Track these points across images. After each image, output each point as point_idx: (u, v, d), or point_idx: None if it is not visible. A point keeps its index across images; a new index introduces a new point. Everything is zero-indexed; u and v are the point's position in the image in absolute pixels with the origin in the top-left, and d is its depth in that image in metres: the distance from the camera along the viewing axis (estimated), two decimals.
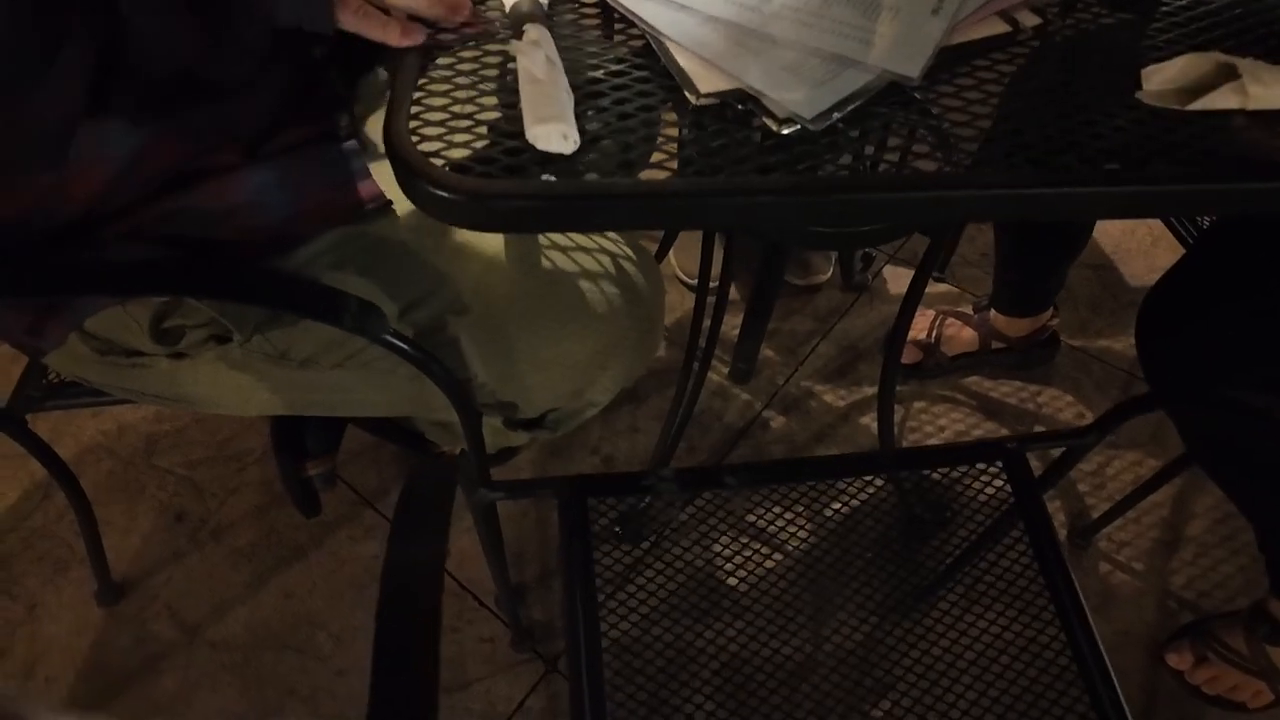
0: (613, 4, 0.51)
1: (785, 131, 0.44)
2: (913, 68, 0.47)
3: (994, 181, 0.43)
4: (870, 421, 1.24)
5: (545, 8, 0.51)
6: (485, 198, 0.42)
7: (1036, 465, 0.78)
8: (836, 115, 0.45)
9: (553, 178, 0.43)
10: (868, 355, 1.34)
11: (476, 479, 0.63)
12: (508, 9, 0.50)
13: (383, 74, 0.74)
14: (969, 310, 1.32)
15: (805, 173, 0.43)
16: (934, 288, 1.46)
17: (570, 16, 0.54)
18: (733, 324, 1.31)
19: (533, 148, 0.43)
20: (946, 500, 1.04)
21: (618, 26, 0.53)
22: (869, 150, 0.47)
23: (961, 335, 1.29)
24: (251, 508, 1.16)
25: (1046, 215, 0.76)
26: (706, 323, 0.97)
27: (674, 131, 0.47)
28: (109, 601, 1.06)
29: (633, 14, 0.50)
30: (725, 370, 1.31)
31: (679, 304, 1.41)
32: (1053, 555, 0.72)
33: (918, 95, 0.47)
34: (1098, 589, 1.08)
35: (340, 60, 0.67)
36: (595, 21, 0.53)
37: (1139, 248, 1.52)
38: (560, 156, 0.43)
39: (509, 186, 0.42)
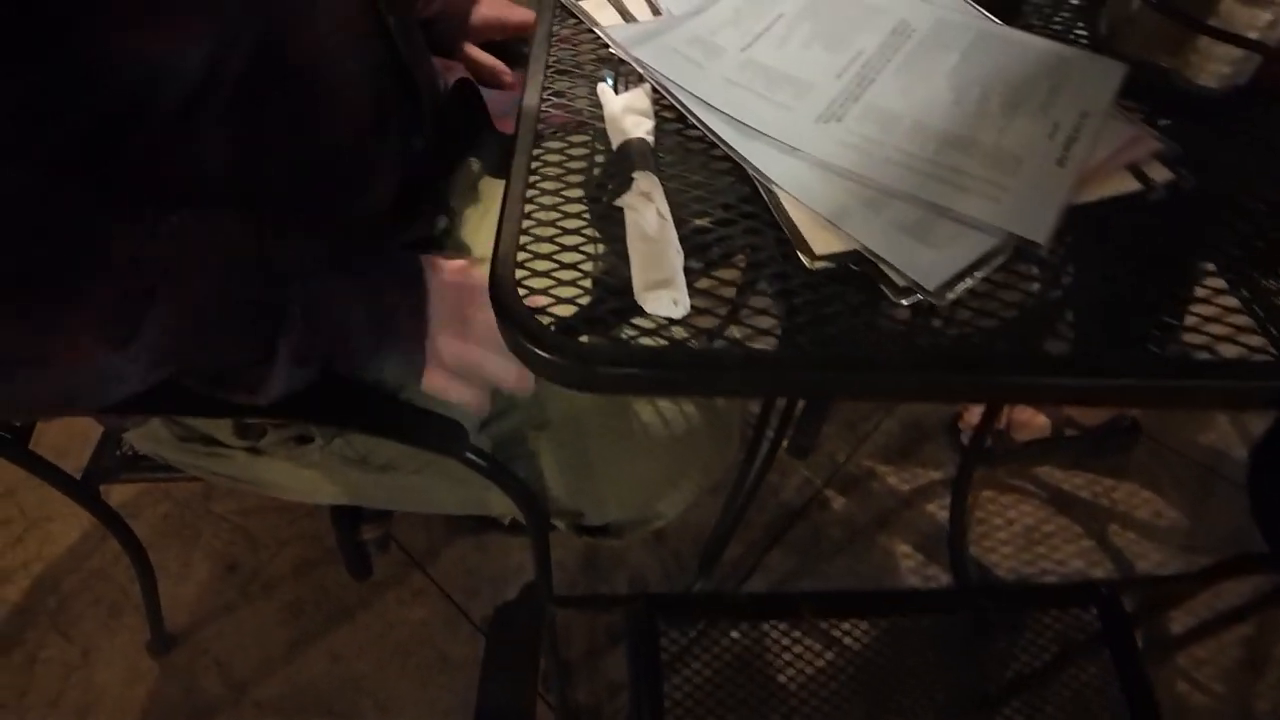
0: (721, 146, 0.49)
1: (904, 302, 0.42)
2: (1040, 231, 0.44)
3: (1130, 371, 0.40)
4: (936, 509, 1.20)
5: (652, 145, 0.49)
6: (592, 363, 0.40)
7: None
8: (961, 286, 0.42)
9: (661, 343, 0.41)
10: (933, 435, 1.30)
11: (544, 595, 0.62)
12: (614, 145, 0.49)
13: (475, 164, 0.74)
14: None
15: (927, 348, 0.41)
16: None
17: (675, 140, 0.52)
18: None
19: (640, 308, 0.41)
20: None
21: (722, 155, 0.51)
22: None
23: (1034, 421, 1.24)
24: (302, 562, 1.16)
25: (1184, 406, 0.71)
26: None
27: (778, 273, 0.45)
28: (160, 651, 1.07)
29: (742, 158, 0.48)
30: (784, 444, 1.28)
31: None
32: (1143, 699, 0.68)
33: (1046, 261, 0.44)
34: (1172, 707, 1.03)
35: (435, 149, 0.67)
36: (701, 147, 0.52)
37: None
38: (669, 320, 0.41)
39: (616, 352, 0.41)
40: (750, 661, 0.73)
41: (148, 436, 0.68)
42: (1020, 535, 1.20)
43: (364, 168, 0.59)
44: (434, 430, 0.55)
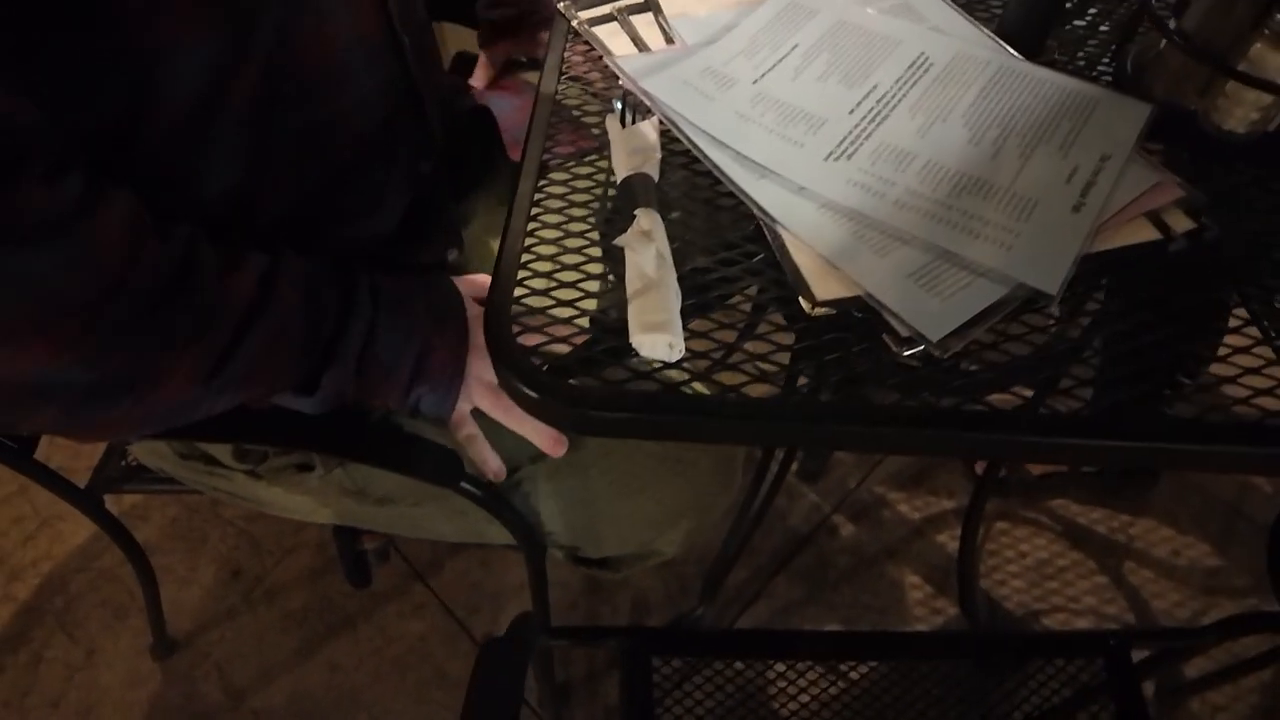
0: (726, 183, 0.48)
1: (907, 353, 0.41)
2: (1052, 281, 0.43)
3: (1145, 433, 0.39)
4: (947, 539, 1.18)
5: (657, 180, 0.49)
6: (583, 406, 0.39)
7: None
8: (965, 338, 0.41)
9: (655, 386, 0.40)
10: (947, 463, 1.28)
11: (538, 626, 0.61)
12: (618, 178, 0.48)
13: (489, 193, 0.73)
14: None
15: (930, 402, 0.40)
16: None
17: (682, 173, 0.51)
18: None
19: (636, 351, 0.41)
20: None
21: (728, 190, 0.50)
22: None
23: None
24: (306, 570, 1.16)
25: (1204, 469, 0.69)
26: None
27: (780, 317, 0.45)
28: (162, 655, 1.07)
29: (747, 196, 0.47)
30: (794, 467, 1.27)
31: None
32: None
33: (1057, 316, 0.43)
34: None
35: (449, 178, 0.67)
36: (707, 183, 0.51)
37: None
38: (664, 363, 0.40)
39: (609, 396, 0.40)
40: (745, 699, 0.72)
41: (151, 451, 0.68)
42: (1032, 570, 1.17)
43: (371, 188, 0.58)
44: (431, 460, 0.54)
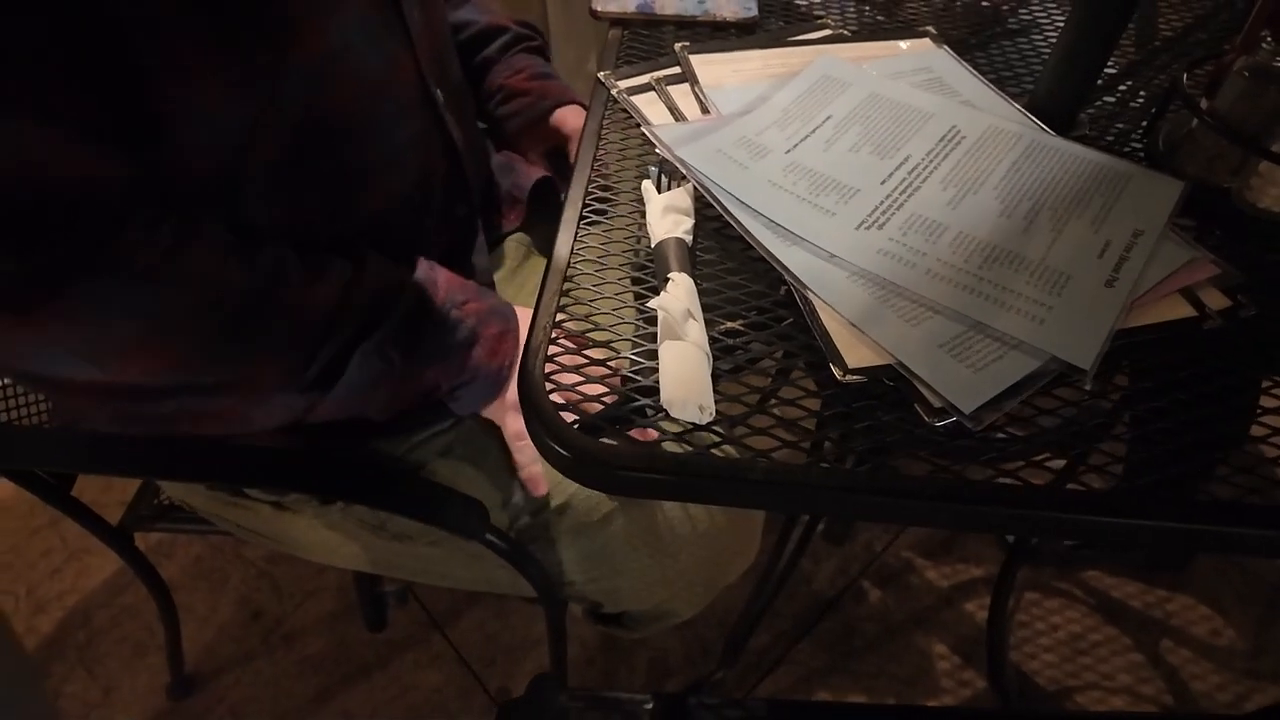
0: (758, 249, 0.49)
1: (938, 424, 0.41)
2: (1084, 356, 0.43)
3: (1176, 514, 0.38)
4: (976, 608, 1.15)
5: (690, 244, 0.50)
6: (613, 466, 0.40)
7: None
8: (998, 411, 0.41)
9: (686, 447, 0.41)
10: None
11: (556, 685, 0.60)
12: (653, 242, 0.50)
13: (524, 239, 0.75)
14: None
15: (959, 476, 0.39)
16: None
17: (716, 238, 0.52)
18: None
19: (666, 411, 0.41)
20: None
21: (759, 255, 0.51)
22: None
23: None
24: (325, 614, 1.16)
25: (1237, 552, 0.68)
26: None
27: (809, 382, 0.45)
28: (178, 696, 1.07)
29: (779, 263, 0.48)
30: (820, 528, 1.25)
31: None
32: None
33: (1089, 391, 0.43)
34: None
35: (485, 225, 0.69)
36: (739, 247, 0.52)
37: None
38: (694, 425, 0.41)
39: (637, 456, 0.40)
40: None
41: (178, 485, 0.69)
42: (1065, 643, 1.13)
43: (407, 231, 0.60)
44: (457, 510, 0.54)
